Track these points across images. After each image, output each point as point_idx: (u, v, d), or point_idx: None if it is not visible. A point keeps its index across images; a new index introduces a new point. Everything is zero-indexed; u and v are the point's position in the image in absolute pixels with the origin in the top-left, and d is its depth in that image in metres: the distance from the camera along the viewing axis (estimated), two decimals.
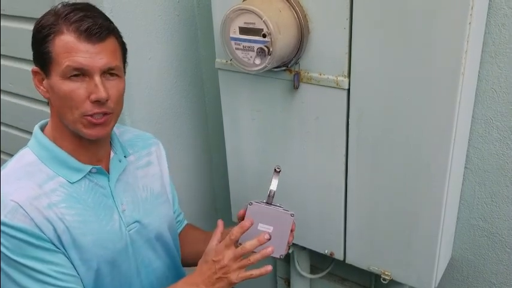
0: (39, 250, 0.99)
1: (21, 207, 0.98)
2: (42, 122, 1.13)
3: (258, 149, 1.51)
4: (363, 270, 1.48)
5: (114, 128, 1.21)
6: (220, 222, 1.16)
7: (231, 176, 1.63)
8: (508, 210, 1.42)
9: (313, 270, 1.85)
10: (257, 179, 1.56)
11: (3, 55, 1.81)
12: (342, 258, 1.50)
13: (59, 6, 1.02)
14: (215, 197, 2.08)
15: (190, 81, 1.78)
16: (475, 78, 1.31)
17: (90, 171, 1.08)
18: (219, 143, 1.87)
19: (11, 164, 1.06)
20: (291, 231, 1.17)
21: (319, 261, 1.83)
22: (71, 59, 0.97)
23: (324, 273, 1.79)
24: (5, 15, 1.71)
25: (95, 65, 0.99)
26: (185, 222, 1.44)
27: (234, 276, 1.06)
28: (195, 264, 1.39)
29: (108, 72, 1.02)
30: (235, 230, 1.07)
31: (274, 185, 1.17)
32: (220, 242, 1.08)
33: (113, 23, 1.06)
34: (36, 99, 1.75)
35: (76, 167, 1.07)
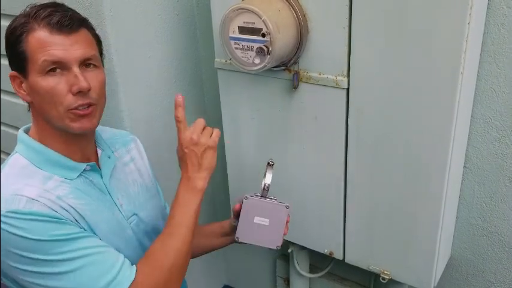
0: (65, 225, 0.98)
1: (35, 200, 0.97)
2: (25, 126, 1.12)
3: (257, 148, 1.51)
4: (363, 269, 1.48)
5: None
6: (179, 98, 1.14)
7: (231, 175, 1.63)
8: (507, 210, 1.43)
9: (312, 269, 1.85)
10: (256, 178, 1.56)
11: (3, 54, 1.81)
12: (341, 258, 1.50)
13: (28, 8, 1.02)
14: (214, 196, 2.09)
15: (190, 81, 1.78)
16: (474, 78, 1.31)
17: (84, 169, 1.08)
18: (218, 142, 1.87)
19: (5, 171, 1.04)
20: (286, 222, 1.19)
21: (319, 261, 1.84)
22: (47, 53, 0.97)
23: (323, 273, 1.79)
24: (4, 14, 1.71)
25: (72, 57, 0.99)
26: None
27: (210, 141, 1.13)
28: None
29: (85, 63, 1.02)
30: (177, 111, 1.12)
31: (268, 179, 1.19)
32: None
33: (83, 17, 1.06)
34: None
35: (71, 166, 1.07)
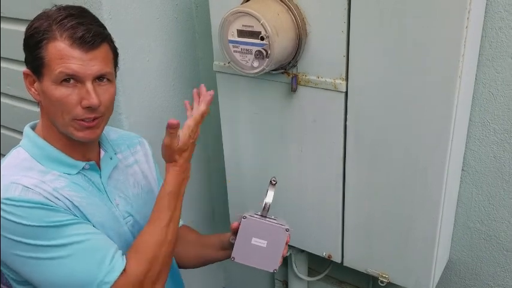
0: (59, 213, 1.00)
1: (30, 188, 1.00)
2: (32, 122, 1.15)
3: (255, 151, 1.51)
4: (361, 272, 1.48)
5: None
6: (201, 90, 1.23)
7: (229, 178, 1.63)
8: (505, 213, 1.43)
9: (311, 272, 1.85)
10: (255, 180, 1.56)
11: (3, 58, 1.81)
12: (339, 261, 1.50)
13: (53, 9, 1.03)
14: (213, 200, 2.08)
15: (189, 84, 1.78)
16: (472, 81, 1.31)
17: (83, 168, 1.11)
18: (217, 145, 1.87)
19: (7, 161, 1.07)
20: (286, 243, 1.15)
21: (317, 264, 1.84)
22: (64, 66, 0.98)
23: (321, 276, 1.79)
24: (3, 17, 1.71)
25: (87, 72, 1.00)
26: (181, 222, 1.44)
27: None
28: (188, 267, 1.38)
29: (99, 78, 1.04)
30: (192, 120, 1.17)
31: (269, 198, 1.14)
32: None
33: (106, 29, 1.07)
34: (34, 102, 1.74)
35: (70, 164, 1.09)
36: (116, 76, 1.12)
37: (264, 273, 2.15)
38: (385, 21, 1.13)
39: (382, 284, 1.44)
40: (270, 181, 1.15)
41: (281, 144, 1.44)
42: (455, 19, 1.05)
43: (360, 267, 1.47)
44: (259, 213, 1.15)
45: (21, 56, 1.76)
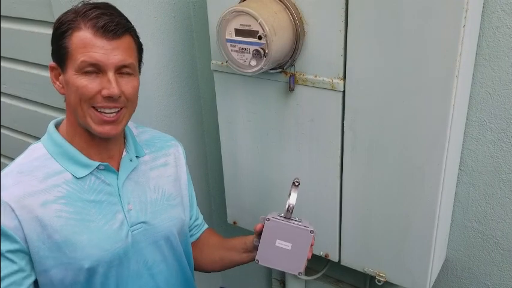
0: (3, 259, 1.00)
1: (9, 205, 1.00)
2: (58, 119, 1.16)
3: (253, 150, 1.51)
4: (358, 271, 1.48)
5: (133, 127, 1.23)
6: None
7: (227, 177, 1.63)
8: (502, 212, 1.43)
9: (308, 271, 1.85)
10: (252, 179, 1.56)
11: (3, 57, 1.80)
12: (336, 260, 1.51)
13: (80, 5, 1.05)
14: (210, 198, 2.08)
15: (186, 83, 1.78)
16: (469, 81, 1.32)
17: (97, 168, 1.10)
18: (214, 144, 1.87)
19: (19, 159, 1.08)
20: (311, 245, 1.14)
21: (314, 263, 1.83)
22: (87, 54, 0.99)
23: (319, 275, 1.79)
24: (4, 16, 1.71)
25: (110, 62, 1.01)
26: (205, 226, 1.42)
27: None
28: (211, 270, 1.38)
29: (122, 70, 1.04)
30: None
31: (293, 199, 1.12)
32: None
33: (130, 22, 1.08)
34: (30, 101, 1.75)
35: (84, 163, 1.09)
36: (140, 72, 1.12)
37: (262, 272, 2.15)
38: (383, 21, 1.13)
39: (379, 283, 1.44)
40: (293, 182, 1.13)
41: (278, 143, 1.44)
42: (453, 18, 1.05)
43: (357, 266, 1.47)
44: (282, 214, 1.13)
45: (20, 54, 1.76)
